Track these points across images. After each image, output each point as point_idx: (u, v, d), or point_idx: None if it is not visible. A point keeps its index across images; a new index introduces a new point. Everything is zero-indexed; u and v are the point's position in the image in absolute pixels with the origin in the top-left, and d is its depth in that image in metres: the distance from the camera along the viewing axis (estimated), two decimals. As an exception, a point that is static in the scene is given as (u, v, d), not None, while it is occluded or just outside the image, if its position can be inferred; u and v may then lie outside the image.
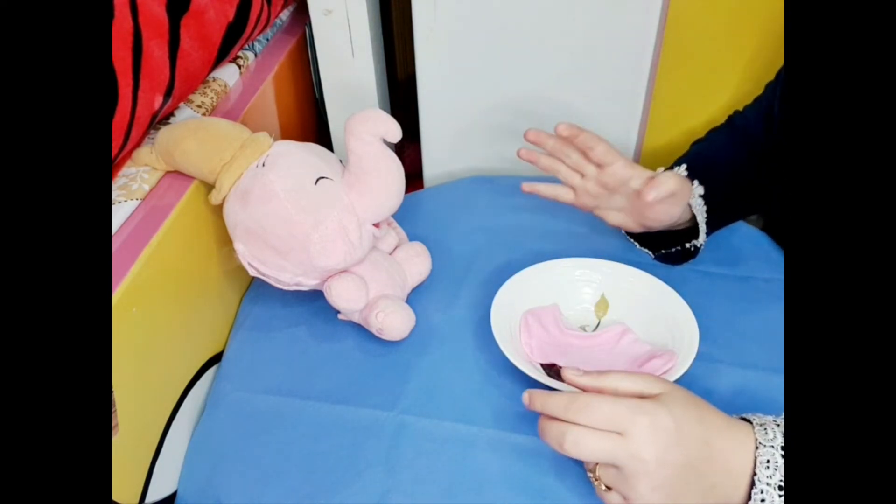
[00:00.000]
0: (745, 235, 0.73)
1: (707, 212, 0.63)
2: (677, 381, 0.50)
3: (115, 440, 0.46)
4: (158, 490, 0.52)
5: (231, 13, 0.66)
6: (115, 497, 0.46)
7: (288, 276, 0.57)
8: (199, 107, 0.64)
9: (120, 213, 0.51)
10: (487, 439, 0.52)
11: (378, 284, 0.60)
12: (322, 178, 0.55)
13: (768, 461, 0.39)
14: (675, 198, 0.58)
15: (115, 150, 0.52)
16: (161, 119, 0.60)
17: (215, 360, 0.63)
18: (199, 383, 0.60)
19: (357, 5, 0.75)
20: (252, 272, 0.57)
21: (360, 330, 0.62)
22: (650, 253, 0.68)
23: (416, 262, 0.65)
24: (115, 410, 0.45)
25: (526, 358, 0.58)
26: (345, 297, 0.57)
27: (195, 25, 0.60)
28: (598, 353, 0.59)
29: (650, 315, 0.60)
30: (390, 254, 0.65)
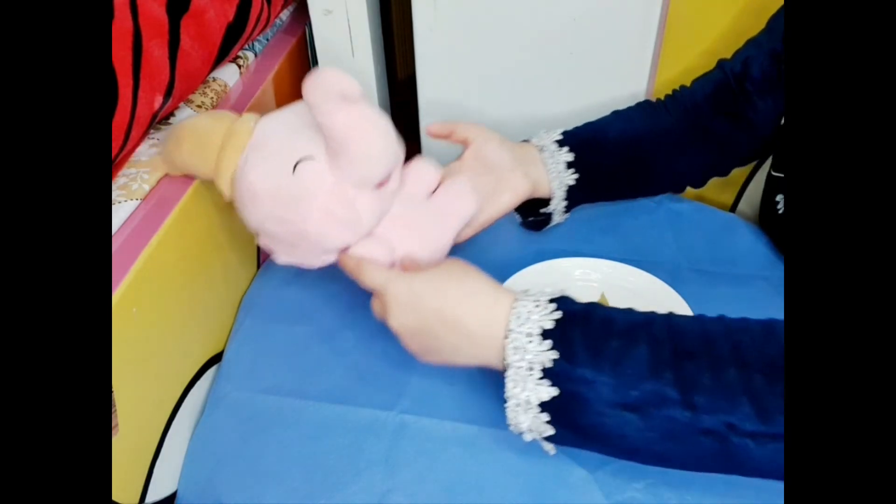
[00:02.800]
0: (745, 234, 0.73)
1: (579, 180, 0.64)
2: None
3: (115, 440, 0.46)
4: (158, 490, 0.52)
5: (231, 13, 0.66)
6: (115, 497, 0.46)
7: (311, 258, 0.55)
8: (199, 107, 0.64)
9: (120, 213, 0.51)
10: (487, 439, 0.52)
11: (406, 241, 0.55)
12: (301, 160, 0.50)
13: (515, 347, 0.44)
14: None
15: (115, 150, 0.52)
16: (161, 119, 0.60)
17: (215, 360, 0.63)
18: (199, 383, 0.60)
19: (357, 5, 0.75)
20: (280, 262, 0.56)
21: (360, 330, 0.62)
22: (519, 217, 0.69)
23: (456, 206, 0.58)
24: (115, 410, 0.46)
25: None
26: (370, 256, 0.54)
27: (195, 25, 0.60)
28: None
29: (650, 315, 0.60)
30: (432, 195, 0.59)
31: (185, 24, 0.58)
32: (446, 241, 0.58)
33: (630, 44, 0.74)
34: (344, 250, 0.54)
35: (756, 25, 0.67)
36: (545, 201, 0.65)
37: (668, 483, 0.48)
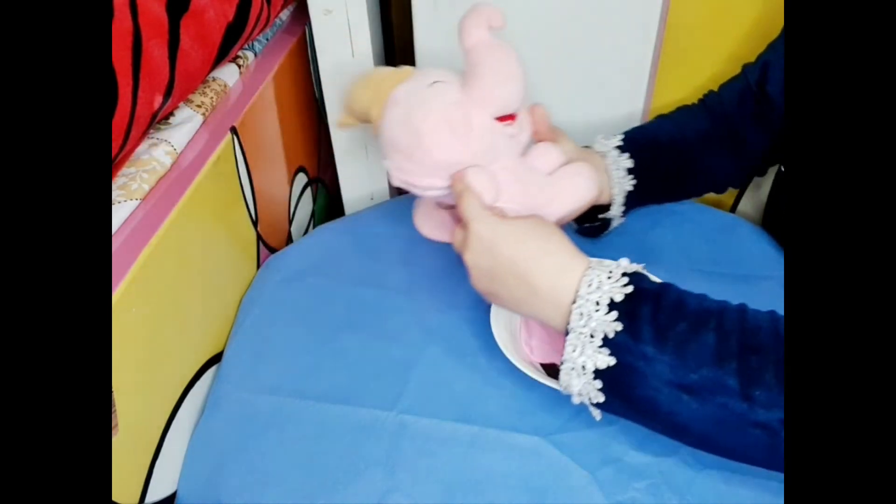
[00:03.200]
0: (745, 234, 0.73)
1: (636, 185, 0.64)
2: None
3: (115, 440, 0.46)
4: (158, 490, 0.52)
5: (231, 13, 0.66)
6: (115, 497, 0.46)
7: (418, 178, 0.57)
8: (198, 106, 0.64)
9: (120, 213, 0.51)
10: (487, 439, 0.52)
11: (511, 196, 0.55)
12: (437, 82, 0.55)
13: (581, 313, 0.45)
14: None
15: (115, 150, 0.52)
16: (161, 119, 0.60)
17: (215, 360, 0.63)
18: (199, 383, 0.60)
19: (357, 5, 0.75)
20: (395, 182, 0.58)
21: (360, 330, 0.62)
22: (574, 224, 0.69)
23: (568, 188, 0.57)
24: (115, 410, 0.45)
25: (526, 358, 0.58)
26: (473, 185, 0.55)
27: (195, 25, 0.60)
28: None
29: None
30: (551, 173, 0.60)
31: (185, 23, 0.58)
32: (553, 211, 0.57)
33: (633, 35, 0.74)
34: (452, 175, 0.55)
35: (757, 36, 0.67)
36: (601, 207, 0.65)
37: (668, 483, 0.48)
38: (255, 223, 0.72)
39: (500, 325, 0.58)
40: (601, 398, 0.45)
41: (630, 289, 0.44)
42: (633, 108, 0.78)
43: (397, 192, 0.89)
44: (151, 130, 0.60)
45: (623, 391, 0.44)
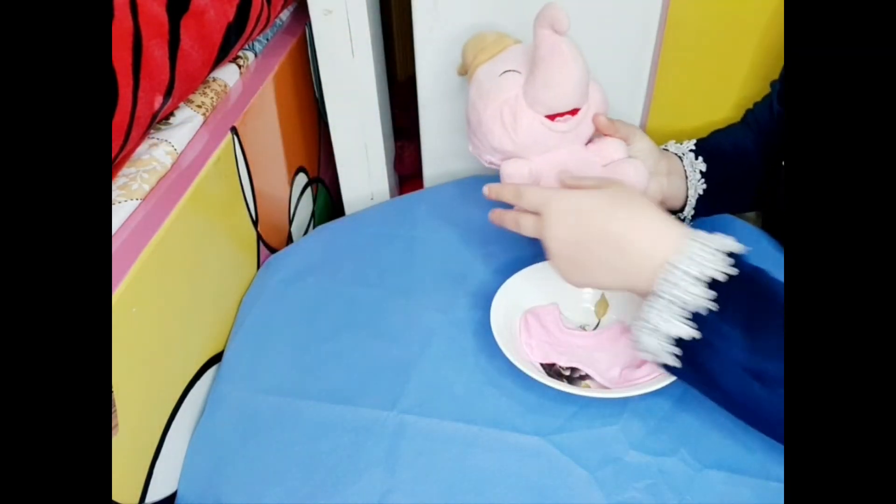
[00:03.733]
0: (745, 235, 0.73)
1: (705, 191, 0.65)
2: (677, 382, 0.50)
3: (115, 440, 0.46)
4: (158, 490, 0.52)
5: (231, 13, 0.66)
6: (115, 497, 0.46)
7: (481, 152, 0.64)
8: (199, 107, 0.64)
9: (120, 213, 0.51)
10: (487, 439, 0.52)
11: (548, 182, 0.61)
12: (508, 70, 0.60)
13: (675, 282, 0.45)
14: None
15: (115, 150, 0.52)
16: (161, 119, 0.60)
17: (215, 360, 0.63)
18: (199, 383, 0.60)
19: (357, 5, 0.75)
20: (470, 149, 0.66)
21: (359, 330, 0.62)
22: None
23: (614, 176, 0.60)
24: (115, 410, 0.46)
25: (526, 358, 0.58)
26: (506, 174, 0.61)
27: (195, 25, 0.60)
28: (598, 352, 0.59)
29: (650, 315, 0.60)
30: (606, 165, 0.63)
31: (185, 24, 0.58)
32: None
33: (632, 40, 0.75)
34: (503, 159, 0.62)
35: (757, 35, 0.67)
36: (671, 211, 0.66)
37: (668, 483, 0.48)
38: (255, 223, 0.72)
39: (500, 325, 0.58)
40: (671, 361, 0.46)
41: (733, 271, 0.44)
42: (632, 108, 0.78)
43: (398, 192, 0.89)
44: (152, 130, 0.60)
45: (695, 360, 0.45)
